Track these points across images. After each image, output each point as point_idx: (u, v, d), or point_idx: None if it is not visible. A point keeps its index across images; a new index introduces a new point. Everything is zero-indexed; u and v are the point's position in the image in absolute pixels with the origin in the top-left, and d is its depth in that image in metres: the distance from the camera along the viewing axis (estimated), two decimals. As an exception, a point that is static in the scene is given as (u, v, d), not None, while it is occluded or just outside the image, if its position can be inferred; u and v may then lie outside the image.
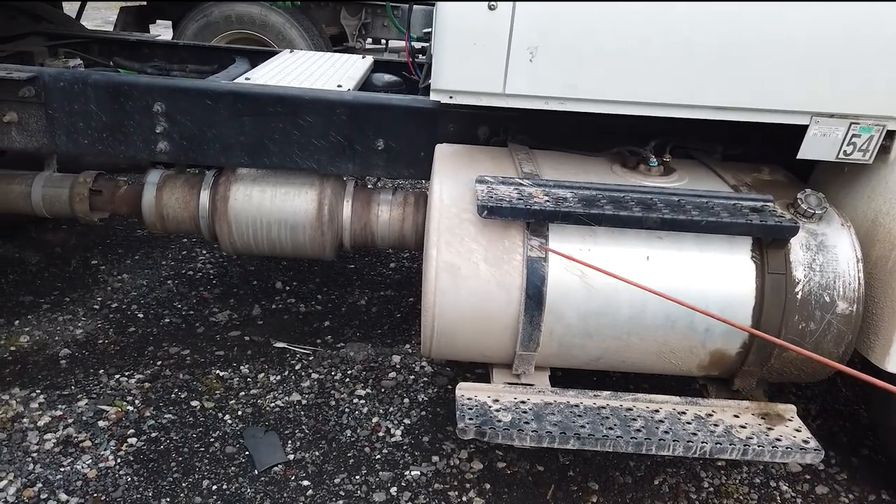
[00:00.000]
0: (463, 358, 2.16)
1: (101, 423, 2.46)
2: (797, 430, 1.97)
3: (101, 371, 2.75)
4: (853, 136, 2.03)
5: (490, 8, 1.85)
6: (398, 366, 2.94)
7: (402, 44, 3.36)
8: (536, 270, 1.95)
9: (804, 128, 2.05)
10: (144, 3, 6.07)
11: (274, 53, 3.46)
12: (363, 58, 3.46)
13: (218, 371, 2.81)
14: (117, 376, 2.72)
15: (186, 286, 3.49)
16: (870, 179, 2.12)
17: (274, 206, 2.63)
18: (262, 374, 2.81)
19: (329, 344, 3.07)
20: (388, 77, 3.33)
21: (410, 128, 2.52)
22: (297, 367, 2.88)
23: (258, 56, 3.45)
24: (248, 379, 2.78)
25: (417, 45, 4.17)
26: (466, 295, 1.97)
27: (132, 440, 2.39)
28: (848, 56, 1.90)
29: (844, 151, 2.05)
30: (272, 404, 2.63)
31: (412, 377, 2.86)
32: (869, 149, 2.05)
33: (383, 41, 7.15)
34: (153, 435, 2.43)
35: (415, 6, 4.66)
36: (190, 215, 2.72)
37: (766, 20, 1.86)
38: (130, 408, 2.55)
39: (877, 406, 2.24)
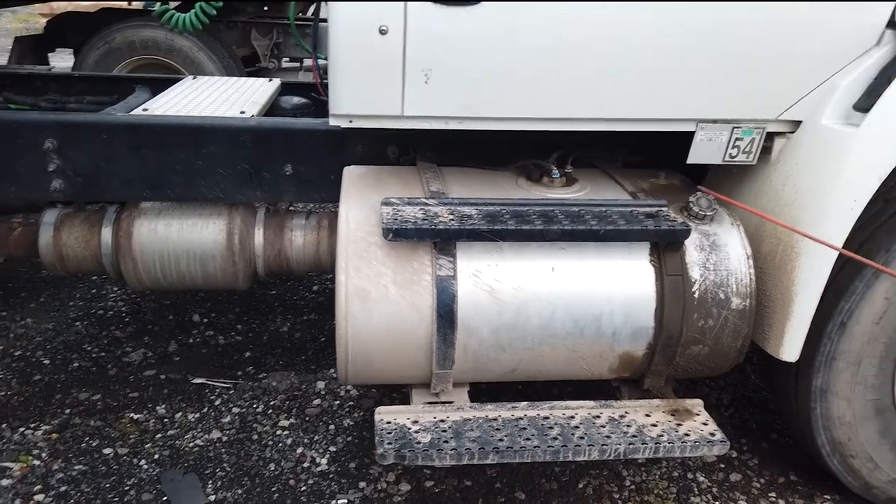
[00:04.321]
0: (381, 381, 2.16)
1: (4, 482, 2.31)
2: (704, 424, 2.05)
3: (4, 425, 2.59)
4: (736, 139, 2.14)
5: (381, 32, 1.86)
6: (323, 392, 2.89)
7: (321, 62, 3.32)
8: (446, 289, 1.96)
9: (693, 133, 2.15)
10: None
11: (176, 81, 3.36)
12: (269, 81, 3.41)
13: (132, 414, 2.70)
14: (22, 429, 2.57)
15: (97, 326, 3.34)
16: (755, 179, 2.24)
17: (181, 238, 2.56)
18: (180, 414, 2.71)
19: (250, 375, 3.00)
20: (296, 99, 3.29)
21: (318, 151, 2.50)
22: (217, 403, 2.80)
23: (160, 84, 3.34)
24: (165, 420, 2.68)
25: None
26: (378, 318, 1.97)
27: (39, 497, 2.26)
28: (726, 65, 2.00)
29: (730, 154, 2.16)
30: (191, 444, 2.54)
31: (337, 402, 2.83)
32: (752, 150, 2.16)
33: (299, 61, 7.07)
34: (62, 489, 2.30)
35: (322, 24, 4.64)
36: (92, 254, 2.61)
37: (648, 35, 1.94)
38: (37, 462, 2.42)
39: (780, 391, 2.36)
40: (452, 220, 1.96)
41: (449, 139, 2.38)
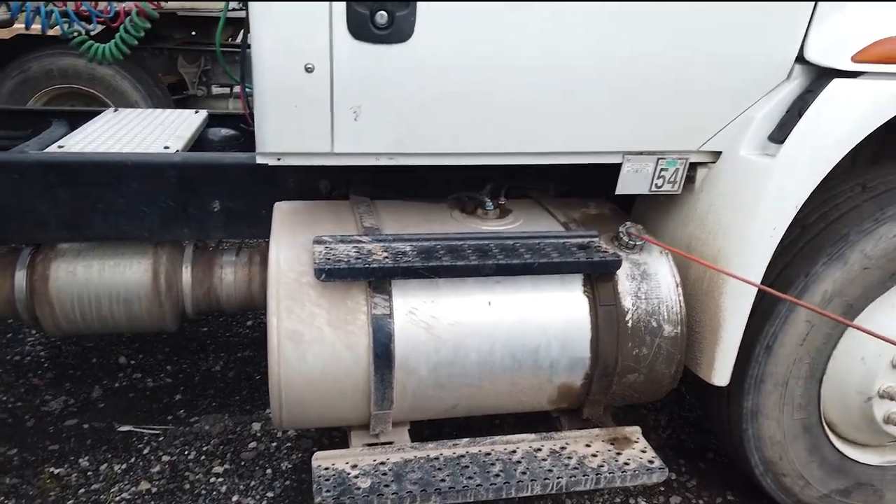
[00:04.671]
0: (318, 425, 2.10)
1: None
2: (643, 451, 2.08)
3: None
4: (661, 170, 2.20)
5: (307, 70, 1.82)
6: (259, 434, 2.79)
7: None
8: (383, 328, 1.93)
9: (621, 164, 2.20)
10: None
11: (96, 114, 3.23)
12: (196, 112, 3.31)
13: (52, 468, 2.53)
14: (-74, 493, 2.38)
15: (12, 374, 3.13)
16: (681, 208, 2.30)
17: (103, 280, 2.44)
18: (105, 465, 2.56)
19: (181, 419, 2.87)
20: (224, 131, 3.21)
21: (247, 186, 2.44)
22: (146, 451, 2.66)
23: (78, 117, 3.20)
24: (89, 473, 2.52)
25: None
26: (313, 361, 1.91)
27: (-55, 568, 2.09)
28: (648, 100, 2.05)
29: (656, 184, 2.22)
30: (117, 498, 2.40)
31: (274, 444, 2.73)
32: (676, 180, 2.23)
33: (229, 87, 6.92)
34: (-28, 557, 2.14)
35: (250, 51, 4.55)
36: (4, 299, 2.45)
37: (575, 73, 1.97)
38: (-57, 529, 2.24)
39: (713, 413, 2.42)
40: (387, 257, 1.93)
41: (382, 172, 2.36)
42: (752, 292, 2.03)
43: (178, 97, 5.92)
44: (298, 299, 1.93)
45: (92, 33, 3.42)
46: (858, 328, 1.92)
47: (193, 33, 5.86)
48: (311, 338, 1.91)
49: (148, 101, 5.35)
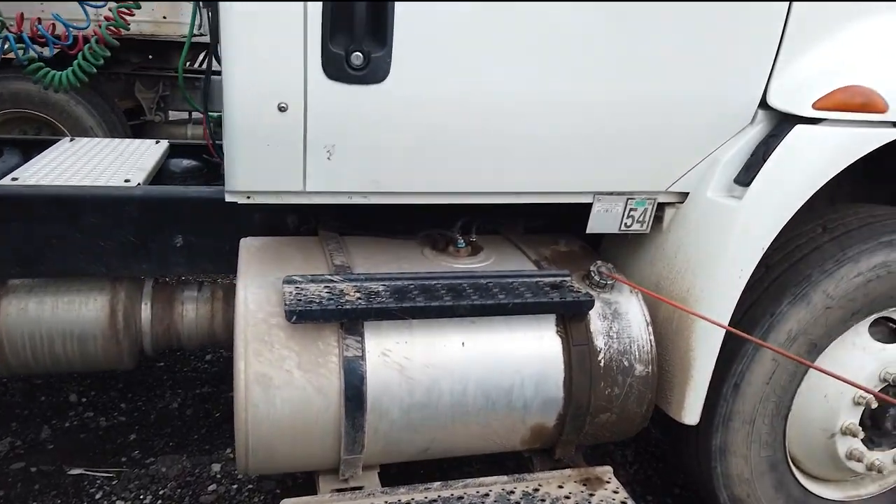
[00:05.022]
0: (285, 470, 2.03)
1: None
2: (615, 492, 2.07)
3: None
4: (631, 209, 2.23)
5: (280, 109, 1.79)
6: (219, 475, 2.69)
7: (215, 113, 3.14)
8: (355, 370, 1.89)
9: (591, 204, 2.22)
10: None
11: (51, 143, 3.12)
12: (157, 143, 3.23)
13: (-4, 518, 2.39)
14: None
15: (-47, 415, 2.96)
16: (649, 248, 2.33)
17: (56, 317, 2.35)
18: (54, 513, 2.43)
19: (136, 461, 2.75)
20: (186, 162, 3.15)
21: (211, 220, 2.38)
22: (98, 496, 2.53)
23: (32, 146, 3.09)
24: (36, 522, 2.39)
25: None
26: (282, 406, 1.85)
27: None
28: (619, 144, 2.08)
29: (625, 224, 2.25)
30: (67, 550, 2.28)
31: (235, 486, 2.64)
32: (645, 220, 2.26)
33: (188, 112, 6.79)
34: None
35: (214, 77, 4.48)
36: (-50, 337, 2.32)
37: (549, 115, 1.98)
38: None
39: (683, 451, 2.43)
40: (359, 298, 1.90)
41: (351, 208, 2.33)
42: (720, 332, 2.06)
43: (134, 123, 5.79)
44: (267, 342, 1.88)
45: (45, 57, 3.33)
46: (818, 369, 1.97)
47: (151, 57, 5.75)
48: (281, 381, 1.85)
49: (103, 127, 5.22)
